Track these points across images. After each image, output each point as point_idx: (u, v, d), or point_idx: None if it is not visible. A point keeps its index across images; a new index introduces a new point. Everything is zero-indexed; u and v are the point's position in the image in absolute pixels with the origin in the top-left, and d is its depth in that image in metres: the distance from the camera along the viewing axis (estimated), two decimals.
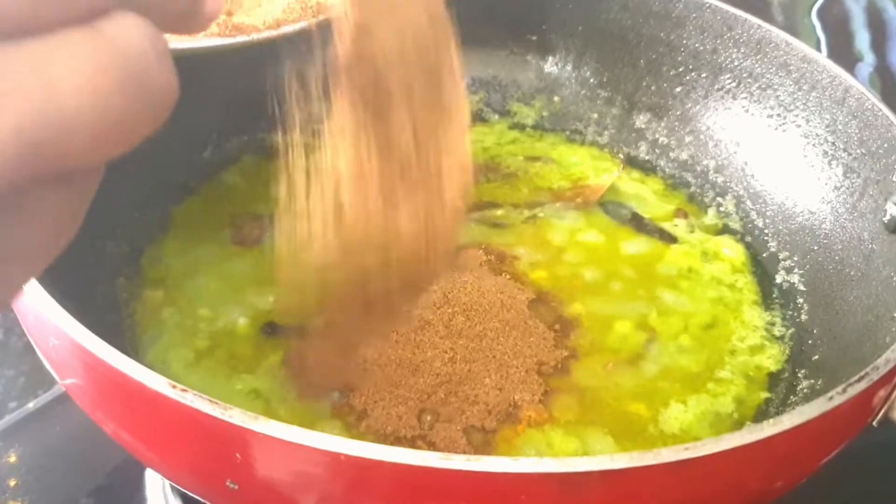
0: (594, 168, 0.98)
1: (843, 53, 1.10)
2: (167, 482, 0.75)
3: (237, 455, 0.49)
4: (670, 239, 0.90)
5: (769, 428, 0.50)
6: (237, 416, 0.47)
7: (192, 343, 0.75)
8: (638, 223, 0.91)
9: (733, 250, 0.89)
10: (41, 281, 0.56)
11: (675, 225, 0.92)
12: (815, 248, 0.84)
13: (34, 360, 0.85)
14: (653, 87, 1.00)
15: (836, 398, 0.53)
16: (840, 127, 0.84)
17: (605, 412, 0.72)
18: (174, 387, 0.49)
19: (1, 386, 0.85)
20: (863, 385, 0.54)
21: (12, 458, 0.78)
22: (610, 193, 0.94)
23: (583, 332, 0.79)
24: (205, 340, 0.75)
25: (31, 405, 0.82)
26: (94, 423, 0.60)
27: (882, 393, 0.58)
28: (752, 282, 0.86)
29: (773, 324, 0.82)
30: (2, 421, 0.80)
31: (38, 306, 0.55)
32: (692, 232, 0.91)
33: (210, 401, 0.48)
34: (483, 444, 0.68)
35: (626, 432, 0.71)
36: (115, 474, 0.77)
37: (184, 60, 0.87)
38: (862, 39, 1.11)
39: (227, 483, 0.51)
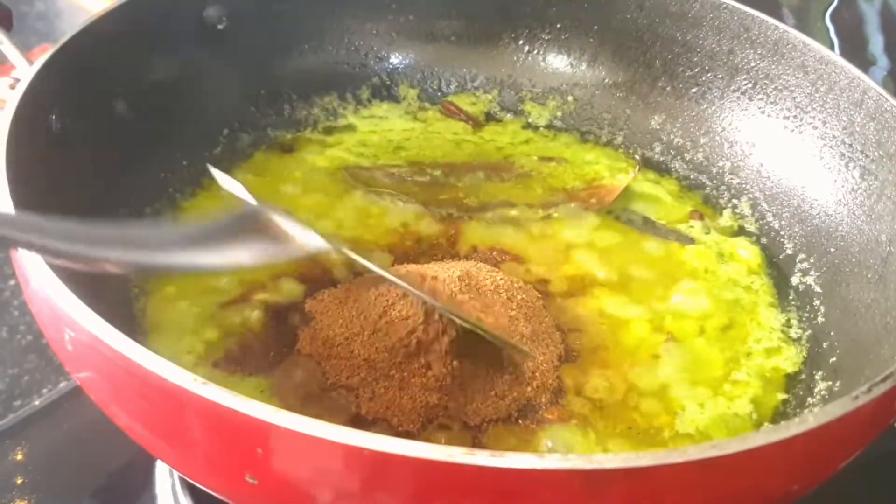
0: (609, 168, 0.98)
1: (857, 57, 1.10)
2: (176, 479, 0.75)
3: (258, 449, 0.48)
4: (687, 240, 0.89)
5: (795, 427, 0.50)
6: (260, 410, 0.46)
7: (203, 337, 0.74)
8: (650, 228, 0.91)
9: (749, 252, 0.88)
10: (57, 273, 0.55)
11: (691, 226, 0.91)
12: (832, 250, 0.84)
13: (39, 358, 0.85)
14: (668, 88, 1.00)
15: (861, 398, 0.52)
16: (857, 129, 0.84)
17: (621, 413, 0.72)
18: (195, 380, 0.48)
19: (6, 384, 0.85)
20: (887, 385, 0.54)
21: (19, 456, 0.77)
22: (624, 196, 0.94)
23: (598, 333, 0.78)
24: (216, 333, 0.75)
25: (36, 403, 0.82)
26: (104, 419, 0.60)
27: None
28: (769, 283, 0.86)
29: (789, 325, 0.81)
30: (8, 419, 0.80)
31: (53, 298, 0.55)
32: (708, 233, 0.91)
33: (232, 394, 0.47)
34: (499, 442, 0.68)
35: (643, 433, 0.70)
36: (124, 472, 0.77)
37: (194, 55, 0.88)
38: (876, 43, 1.12)
39: (247, 478, 0.50)
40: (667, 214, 0.92)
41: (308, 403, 0.69)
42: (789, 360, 0.78)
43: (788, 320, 0.82)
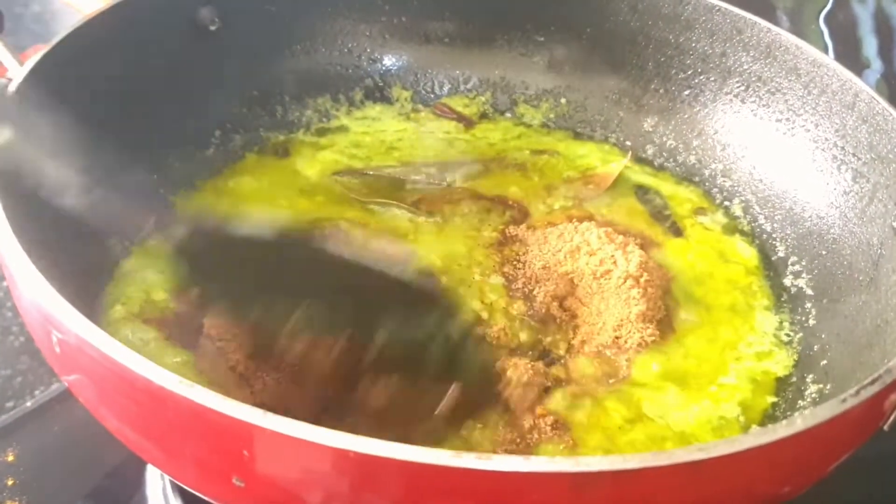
0: (602, 160, 0.99)
1: (851, 59, 1.10)
2: (167, 481, 0.75)
3: (245, 452, 0.48)
4: (678, 232, 0.90)
5: (782, 430, 0.50)
6: (246, 413, 0.46)
7: (151, 295, 0.76)
8: (658, 214, 0.92)
9: (748, 252, 0.88)
10: (45, 275, 0.55)
11: (696, 222, 0.91)
12: (824, 252, 0.84)
13: (31, 359, 0.85)
14: (661, 90, 1.00)
15: (849, 401, 0.52)
16: (849, 131, 0.84)
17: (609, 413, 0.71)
18: (181, 382, 0.48)
19: None
20: (876, 388, 0.54)
21: (10, 458, 0.77)
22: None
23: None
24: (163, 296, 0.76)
25: (28, 404, 0.81)
26: (95, 421, 0.60)
27: (894, 396, 0.57)
28: (765, 285, 0.85)
29: (781, 328, 0.81)
30: None
31: (42, 301, 0.55)
32: (707, 230, 0.90)
33: (218, 396, 0.47)
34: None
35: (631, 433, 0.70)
36: (115, 474, 0.77)
37: (186, 57, 0.88)
38: (869, 45, 1.11)
39: (234, 480, 0.50)
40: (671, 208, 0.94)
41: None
42: (780, 363, 0.78)
43: (781, 322, 0.82)
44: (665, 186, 0.96)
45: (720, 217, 0.92)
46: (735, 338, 0.79)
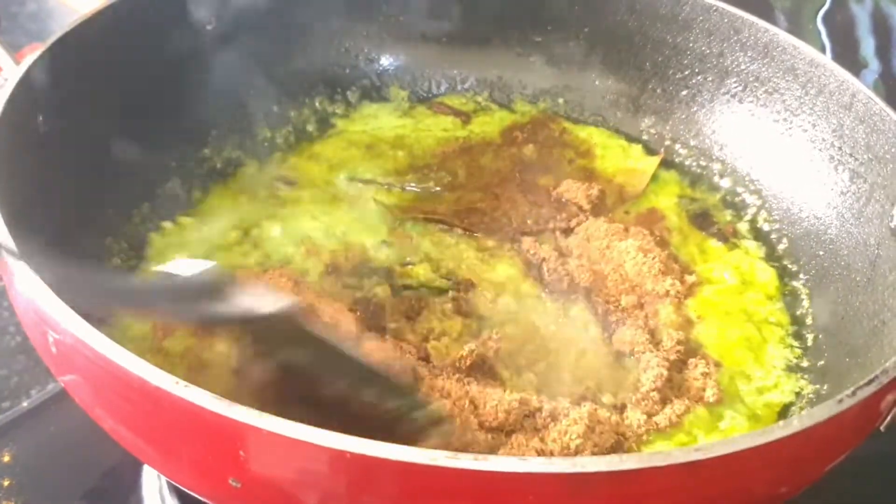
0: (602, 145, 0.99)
1: (849, 59, 1.10)
2: (164, 482, 0.75)
3: (241, 452, 0.48)
4: (724, 239, 0.90)
5: (779, 430, 0.50)
6: (242, 413, 0.46)
7: None
8: (704, 220, 0.92)
9: (767, 274, 0.86)
10: (41, 276, 0.55)
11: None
12: (821, 252, 0.84)
13: (28, 359, 0.85)
14: (658, 90, 1.00)
15: (845, 401, 0.52)
16: (847, 132, 0.84)
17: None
18: (177, 382, 0.48)
19: None
20: (872, 388, 0.54)
21: (6, 458, 0.77)
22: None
23: None
24: None
25: (25, 404, 0.81)
26: (91, 421, 0.60)
27: (890, 397, 0.57)
28: (783, 310, 0.82)
29: (791, 355, 0.79)
30: None
31: (37, 301, 0.54)
32: (732, 250, 0.89)
33: (214, 397, 0.47)
34: None
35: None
36: (112, 474, 0.77)
37: (183, 57, 0.87)
38: (867, 46, 1.11)
39: (230, 481, 0.50)
40: None
41: None
42: (784, 392, 0.75)
43: (791, 348, 0.79)
44: None
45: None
46: (739, 380, 0.76)
